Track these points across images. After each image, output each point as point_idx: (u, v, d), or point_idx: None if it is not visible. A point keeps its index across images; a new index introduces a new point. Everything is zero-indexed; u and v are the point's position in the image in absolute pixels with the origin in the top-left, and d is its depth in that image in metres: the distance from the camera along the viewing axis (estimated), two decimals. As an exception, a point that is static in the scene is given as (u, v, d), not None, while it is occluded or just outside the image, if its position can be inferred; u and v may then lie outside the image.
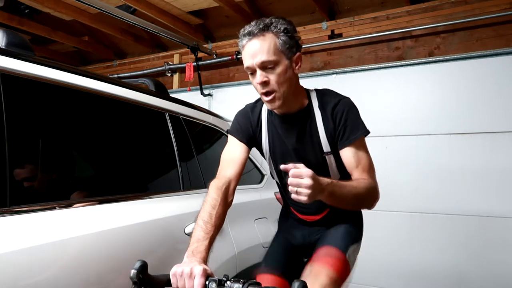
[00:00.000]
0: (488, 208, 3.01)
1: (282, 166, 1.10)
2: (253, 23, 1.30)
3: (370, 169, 1.35)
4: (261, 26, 1.27)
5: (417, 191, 3.25)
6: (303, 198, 1.08)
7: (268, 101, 1.31)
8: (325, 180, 1.15)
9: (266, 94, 1.30)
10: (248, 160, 2.39)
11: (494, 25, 3.20)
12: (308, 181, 1.06)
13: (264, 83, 1.28)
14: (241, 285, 0.98)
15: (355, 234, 1.50)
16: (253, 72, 1.30)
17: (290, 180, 1.08)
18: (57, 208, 1.31)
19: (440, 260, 3.15)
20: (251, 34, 1.27)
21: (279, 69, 1.28)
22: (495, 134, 3.04)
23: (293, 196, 1.10)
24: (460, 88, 3.18)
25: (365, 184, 1.28)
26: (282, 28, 1.28)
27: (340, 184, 1.22)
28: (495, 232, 2.99)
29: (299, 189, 1.08)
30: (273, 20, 1.29)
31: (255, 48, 1.26)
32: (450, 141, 3.18)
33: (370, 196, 1.31)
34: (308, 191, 1.07)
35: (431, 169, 3.22)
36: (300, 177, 1.07)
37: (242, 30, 1.30)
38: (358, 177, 1.32)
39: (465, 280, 3.06)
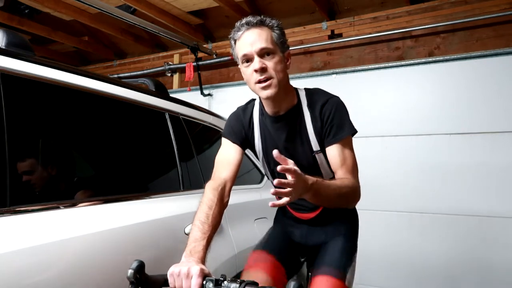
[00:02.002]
0: (488, 208, 3.01)
1: (275, 153, 1.06)
2: (247, 17, 1.34)
3: (354, 169, 1.36)
4: (258, 18, 1.32)
5: (417, 191, 3.25)
6: (285, 199, 1.07)
7: (264, 88, 1.31)
8: (311, 178, 1.15)
9: (263, 80, 1.30)
10: (248, 160, 2.42)
11: (494, 25, 3.20)
12: (289, 189, 1.05)
13: (262, 69, 1.29)
14: (238, 285, 0.98)
15: (351, 248, 1.50)
16: (249, 60, 1.31)
17: (276, 181, 1.06)
18: (57, 208, 1.31)
19: (439, 260, 3.15)
20: (249, 24, 1.31)
21: (275, 59, 1.31)
22: (495, 134, 3.04)
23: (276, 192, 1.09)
24: (460, 88, 3.18)
25: (349, 183, 1.30)
26: (276, 24, 1.34)
27: (325, 184, 1.23)
28: (495, 232, 2.99)
29: (283, 190, 1.07)
30: (266, 17, 1.34)
31: (254, 36, 1.30)
32: (450, 141, 3.18)
33: (352, 196, 1.32)
34: (288, 199, 1.07)
35: (431, 169, 3.22)
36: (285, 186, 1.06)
37: (238, 23, 1.33)
38: (342, 176, 1.33)
39: (465, 279, 3.06)
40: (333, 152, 1.36)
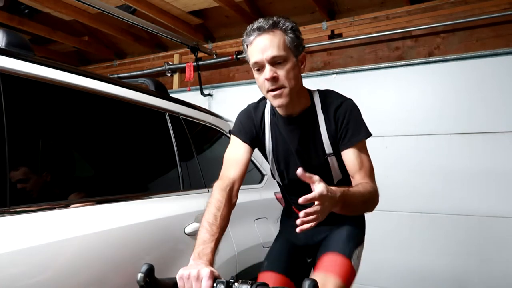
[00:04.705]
0: (488, 208, 3.01)
1: (299, 172, 1.02)
2: (260, 19, 1.29)
3: (371, 173, 1.34)
4: (270, 22, 1.27)
5: (417, 191, 3.25)
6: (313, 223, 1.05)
7: (275, 96, 1.29)
8: (338, 191, 1.10)
9: (274, 89, 1.28)
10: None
11: (494, 25, 3.20)
12: (320, 216, 1.04)
13: (274, 79, 1.26)
14: (249, 287, 0.98)
15: (358, 237, 1.49)
16: (261, 68, 1.28)
17: (304, 216, 1.03)
18: (57, 208, 1.31)
19: (440, 260, 3.15)
20: (261, 29, 1.26)
21: (288, 66, 1.27)
22: (495, 134, 3.03)
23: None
24: (460, 88, 3.18)
25: (369, 188, 1.27)
26: (290, 26, 1.28)
27: (350, 193, 1.19)
28: (495, 232, 2.99)
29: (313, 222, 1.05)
30: (280, 18, 1.29)
31: (265, 43, 1.25)
32: (450, 141, 3.18)
33: (373, 201, 1.30)
34: (321, 218, 1.05)
35: (431, 169, 3.22)
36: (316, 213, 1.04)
37: (250, 26, 1.29)
38: (361, 180, 1.31)
39: (464, 280, 3.06)
40: (350, 155, 1.34)
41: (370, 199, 1.27)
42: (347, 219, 1.51)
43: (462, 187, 3.10)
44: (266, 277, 1.43)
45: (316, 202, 1.02)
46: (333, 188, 1.08)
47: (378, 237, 3.25)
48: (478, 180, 3.06)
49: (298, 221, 1.03)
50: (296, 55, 1.30)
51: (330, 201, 1.06)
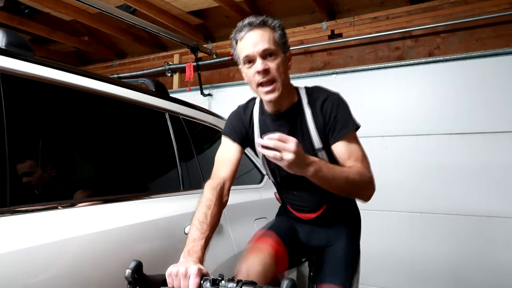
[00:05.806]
0: (488, 208, 3.01)
1: (260, 141, 1.10)
2: (250, 17, 1.34)
3: (363, 159, 1.33)
4: (260, 19, 1.32)
5: (417, 191, 3.25)
6: (285, 163, 1.09)
7: (268, 92, 1.31)
8: (312, 157, 1.16)
9: (267, 83, 1.30)
10: (248, 160, 2.42)
11: (494, 25, 3.20)
12: (292, 146, 1.08)
13: (265, 71, 1.29)
14: (235, 285, 0.99)
15: (354, 252, 1.51)
16: (251, 61, 1.31)
17: (274, 143, 1.08)
18: (59, 207, 1.31)
19: (439, 260, 3.15)
20: (252, 25, 1.31)
21: (278, 60, 1.31)
22: (495, 134, 3.04)
23: (274, 160, 1.10)
24: (460, 88, 3.18)
25: (357, 170, 1.27)
26: (277, 24, 1.34)
27: (329, 165, 1.22)
28: (495, 232, 2.99)
29: (282, 154, 1.08)
30: (268, 17, 1.34)
31: (257, 37, 1.30)
32: (450, 141, 3.18)
33: (363, 183, 1.27)
34: (291, 156, 1.08)
35: (431, 169, 3.22)
36: (286, 142, 1.08)
37: (240, 23, 1.33)
38: (351, 165, 1.31)
39: (464, 280, 3.06)
40: (340, 147, 1.34)
41: (358, 180, 1.25)
42: (343, 221, 1.54)
43: (462, 187, 3.10)
44: (264, 233, 1.51)
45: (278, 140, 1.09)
46: (308, 155, 1.15)
47: (378, 237, 3.25)
48: (478, 180, 3.06)
49: (259, 140, 1.11)
50: (284, 51, 1.34)
51: (301, 153, 1.11)
